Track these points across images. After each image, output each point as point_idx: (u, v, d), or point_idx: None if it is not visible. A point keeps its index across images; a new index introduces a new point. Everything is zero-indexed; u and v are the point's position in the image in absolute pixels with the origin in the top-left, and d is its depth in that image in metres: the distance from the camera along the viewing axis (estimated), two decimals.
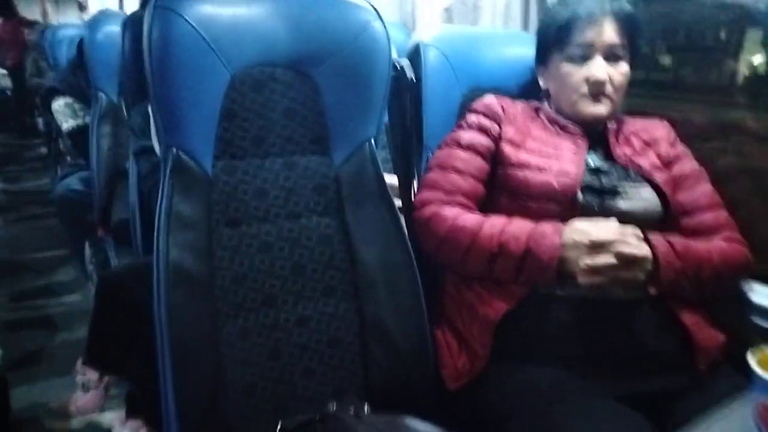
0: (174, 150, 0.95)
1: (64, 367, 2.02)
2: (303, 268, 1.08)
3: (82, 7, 10.03)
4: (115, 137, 2.14)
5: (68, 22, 8.79)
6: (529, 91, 1.33)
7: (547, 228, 1.03)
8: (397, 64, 1.21)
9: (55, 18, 9.74)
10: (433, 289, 1.15)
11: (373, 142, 1.12)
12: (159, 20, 0.91)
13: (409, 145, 1.27)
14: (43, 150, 6.36)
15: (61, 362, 2.19)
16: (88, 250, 2.10)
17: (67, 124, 2.56)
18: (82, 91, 2.55)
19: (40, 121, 6.18)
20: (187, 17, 0.93)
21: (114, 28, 2.09)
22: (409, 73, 1.25)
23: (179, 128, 0.95)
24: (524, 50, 1.38)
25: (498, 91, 1.34)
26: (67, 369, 1.90)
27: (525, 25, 1.57)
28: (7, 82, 7.40)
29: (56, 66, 4.77)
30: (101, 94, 2.13)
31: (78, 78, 2.52)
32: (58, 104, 2.69)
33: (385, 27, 1.10)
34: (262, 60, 1.02)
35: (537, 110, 1.25)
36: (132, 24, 1.50)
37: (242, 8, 1.00)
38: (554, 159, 1.12)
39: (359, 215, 1.11)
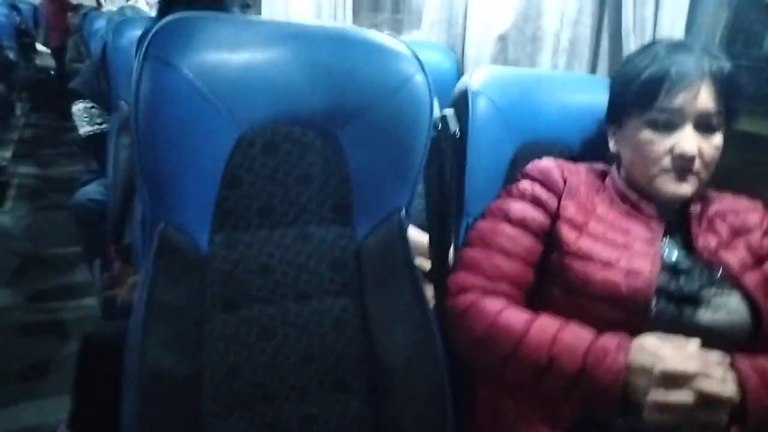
0: (162, 225, 0.79)
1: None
2: (311, 359, 0.91)
3: None
4: (134, 149, 2.01)
5: (117, 6, 8.83)
6: (594, 147, 1.13)
7: (609, 342, 0.84)
8: (438, 122, 1.02)
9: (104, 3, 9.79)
10: (463, 392, 0.97)
11: (404, 212, 0.94)
12: (149, 72, 0.75)
13: (446, 209, 1.08)
14: (75, 135, 6.36)
15: (71, 376, 2.09)
16: (97, 269, 1.98)
17: (83, 129, 2.45)
18: (102, 95, 2.44)
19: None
20: (184, 68, 0.76)
21: (136, 34, 1.97)
22: (453, 126, 1.06)
23: (170, 199, 0.79)
24: (590, 97, 1.18)
25: (556, 146, 1.15)
26: None
27: (593, 66, 1.36)
28: (52, 62, 7.45)
29: (90, 55, 4.72)
30: (122, 103, 1.99)
31: (100, 82, 2.41)
32: (78, 108, 2.59)
33: (428, 81, 0.91)
34: (276, 117, 0.85)
35: (603, 176, 1.05)
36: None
37: (255, 55, 0.83)
38: (623, 250, 0.92)
39: (381, 298, 0.94)
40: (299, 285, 0.91)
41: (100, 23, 5.28)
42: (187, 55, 0.77)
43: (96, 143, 2.54)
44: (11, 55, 5.60)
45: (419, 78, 0.91)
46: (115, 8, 6.88)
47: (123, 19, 2.03)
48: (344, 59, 0.89)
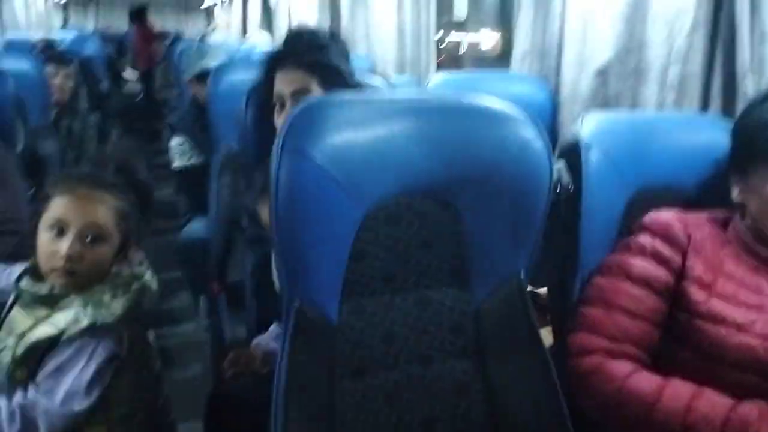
0: (298, 303, 0.82)
1: (178, 410, 2.00)
2: (434, 422, 0.92)
3: (209, 18, 10.56)
4: (234, 188, 2.10)
5: (196, 32, 9.24)
6: (711, 191, 1.09)
7: (750, 411, 0.80)
8: (557, 186, 1.01)
9: (185, 29, 10.28)
10: None
11: (523, 274, 0.94)
12: (286, 164, 0.79)
13: (563, 264, 1.07)
14: (166, 157, 6.67)
15: (174, 404, 2.18)
16: (203, 305, 2.07)
17: (176, 163, 2.58)
18: (196, 131, 2.58)
19: (166, 133, 6.51)
20: (315, 158, 0.79)
21: (239, 77, 2.05)
22: (566, 180, 1.05)
23: (304, 277, 0.83)
24: (705, 138, 1.15)
25: (670, 192, 1.11)
26: (180, 413, 1.86)
27: (704, 103, 1.30)
28: (137, 88, 7.88)
29: (177, 81, 4.97)
30: (222, 143, 2.09)
31: (197, 121, 2.55)
32: (175, 142, 2.74)
33: (547, 147, 0.91)
34: (398, 191, 0.87)
35: (725, 225, 1.00)
36: (255, 93, 1.41)
37: (377, 134, 0.85)
38: (757, 311, 0.88)
39: (502, 360, 0.94)
40: (421, 348, 0.92)
41: (183, 47, 5.57)
42: (317, 142, 0.80)
43: (188, 177, 2.67)
44: (104, 85, 5.96)
45: (538, 143, 0.90)
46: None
47: (223, 64, 2.12)
48: (461, 129, 0.90)
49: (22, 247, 1.77)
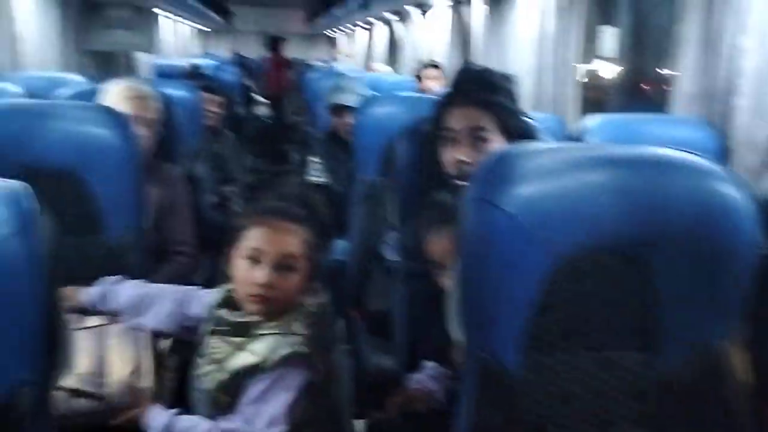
0: (480, 353, 0.81)
1: None
2: None
3: (332, 47, 11.07)
4: (373, 218, 2.14)
5: (320, 58, 9.68)
6: None
7: None
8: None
9: (310, 57, 10.82)
10: None
11: (726, 344, 0.87)
12: (476, 212, 0.78)
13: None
14: (293, 177, 6.98)
15: None
16: (341, 329, 2.11)
17: (311, 178, 2.69)
18: (330, 159, 2.70)
19: (294, 155, 6.84)
20: (506, 207, 0.78)
21: (383, 110, 2.10)
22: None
23: (489, 329, 0.81)
24: None
25: None
26: None
27: None
28: (267, 111, 8.35)
29: (310, 108, 5.20)
30: (362, 174, 2.15)
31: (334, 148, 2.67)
32: (312, 160, 2.85)
33: (753, 204, 0.84)
34: (588, 245, 0.83)
35: None
36: (409, 138, 1.43)
37: (569, 185, 0.83)
38: None
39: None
40: (600, 413, 0.87)
41: (313, 75, 5.83)
42: (508, 192, 0.79)
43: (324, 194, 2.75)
44: (240, 109, 6.37)
45: (742, 200, 0.84)
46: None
47: (370, 97, 2.19)
48: (658, 183, 0.85)
49: (191, 269, 1.92)
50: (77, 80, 2.68)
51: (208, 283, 2.48)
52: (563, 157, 0.86)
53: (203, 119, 2.89)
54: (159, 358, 1.20)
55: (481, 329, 0.81)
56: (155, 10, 5.60)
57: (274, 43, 7.74)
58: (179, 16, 7.61)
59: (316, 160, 2.85)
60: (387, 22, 5.78)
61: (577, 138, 1.67)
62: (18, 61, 2.80)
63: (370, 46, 7.14)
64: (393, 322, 1.58)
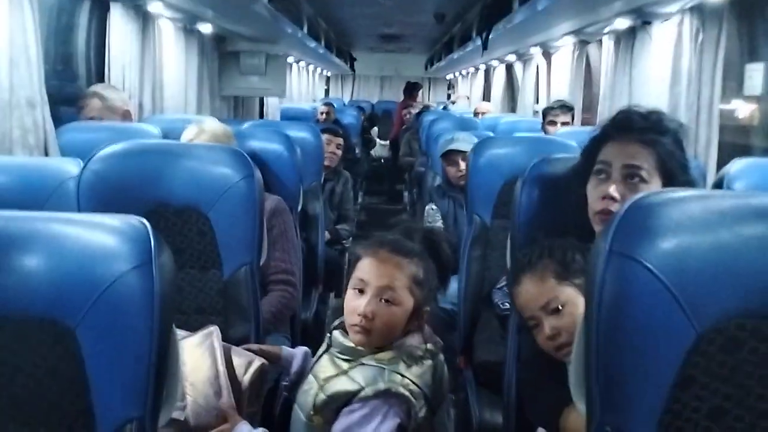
0: (608, 430, 0.71)
1: None
2: None
3: (450, 87, 11.19)
4: (484, 261, 2.07)
5: (439, 101, 9.80)
6: None
7: None
8: None
9: (429, 97, 10.99)
10: None
11: None
12: (614, 267, 0.69)
13: None
14: (404, 217, 7.05)
15: None
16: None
17: (426, 224, 2.66)
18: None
19: (405, 194, 6.92)
20: (649, 264, 0.69)
21: (498, 152, 2.05)
22: None
23: (620, 403, 0.71)
24: None
25: None
26: None
27: None
28: (385, 152, 8.54)
29: (425, 151, 5.24)
30: (476, 217, 2.08)
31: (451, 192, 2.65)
32: (430, 207, 2.85)
33: None
34: (744, 312, 0.71)
35: None
36: (531, 184, 1.35)
37: (723, 241, 0.71)
38: None
39: None
40: None
41: (428, 117, 5.88)
42: (651, 245, 0.70)
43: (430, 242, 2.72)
44: (357, 150, 6.57)
45: None
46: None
47: (485, 138, 2.14)
48: None
49: (294, 299, 1.97)
50: None
51: (315, 317, 2.54)
52: (716, 207, 0.75)
53: (323, 159, 2.99)
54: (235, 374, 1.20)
55: (610, 400, 0.72)
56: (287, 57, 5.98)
57: (411, 88, 7.92)
58: (307, 62, 8.06)
59: (433, 207, 2.84)
60: (506, 64, 5.74)
61: (720, 185, 1.51)
62: (160, 106, 3.05)
63: (486, 87, 7.11)
64: (503, 376, 1.49)
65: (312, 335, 2.28)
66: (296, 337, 2.07)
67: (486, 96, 7.42)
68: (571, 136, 2.51)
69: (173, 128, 2.81)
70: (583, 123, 3.73)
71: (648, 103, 2.75)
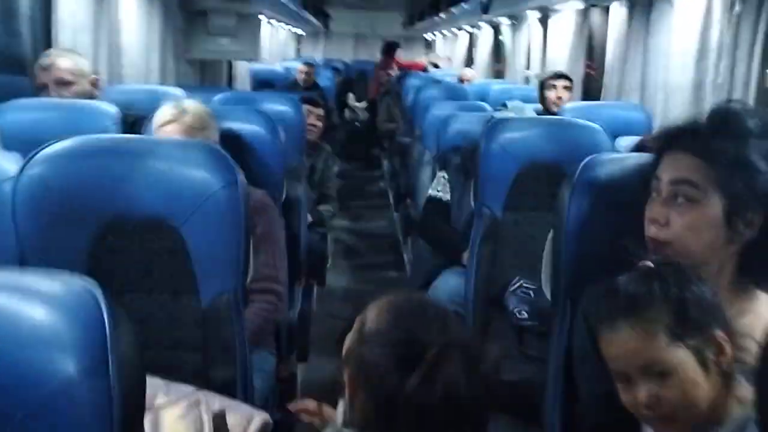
0: None
1: None
2: None
3: (428, 47, 10.78)
4: (494, 256, 1.85)
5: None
6: None
7: None
8: None
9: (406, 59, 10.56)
10: None
11: None
12: None
13: None
14: (382, 185, 6.78)
15: None
16: None
17: (431, 191, 2.40)
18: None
19: (385, 163, 6.62)
20: None
21: (512, 136, 1.80)
22: None
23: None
24: None
25: None
26: None
27: None
28: (361, 115, 8.14)
29: (410, 118, 4.94)
30: (485, 209, 1.85)
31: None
32: (443, 175, 2.55)
33: None
34: None
35: None
36: (582, 190, 1.11)
37: None
38: None
39: None
40: None
41: (413, 83, 5.56)
42: None
43: (437, 208, 2.43)
44: (334, 116, 6.18)
45: None
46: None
47: (497, 121, 1.89)
48: None
49: (279, 311, 1.72)
50: (175, 93, 2.54)
51: (300, 318, 2.29)
52: None
53: (305, 135, 2.70)
54: None
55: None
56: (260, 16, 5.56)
57: (390, 47, 7.55)
58: (280, 21, 7.59)
59: (444, 175, 2.53)
60: (494, 27, 5.41)
61: None
62: (118, 73, 2.70)
63: (471, 51, 6.79)
64: (531, 399, 1.29)
65: (297, 341, 2.04)
66: (282, 347, 1.83)
67: (469, 58, 7.12)
68: (585, 114, 2.27)
69: (134, 100, 2.47)
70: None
71: (666, 79, 2.55)
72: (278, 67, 6.58)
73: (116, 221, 1.12)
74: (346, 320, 0.89)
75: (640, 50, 2.51)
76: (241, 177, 1.16)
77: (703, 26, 2.12)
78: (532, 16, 4.04)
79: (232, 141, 1.74)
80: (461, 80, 5.02)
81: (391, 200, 5.34)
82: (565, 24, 3.47)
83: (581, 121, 1.82)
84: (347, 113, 8.25)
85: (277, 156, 1.95)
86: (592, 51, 3.41)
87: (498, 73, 5.92)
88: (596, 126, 1.78)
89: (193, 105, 1.65)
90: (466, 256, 1.99)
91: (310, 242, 2.66)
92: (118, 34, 2.70)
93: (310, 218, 2.92)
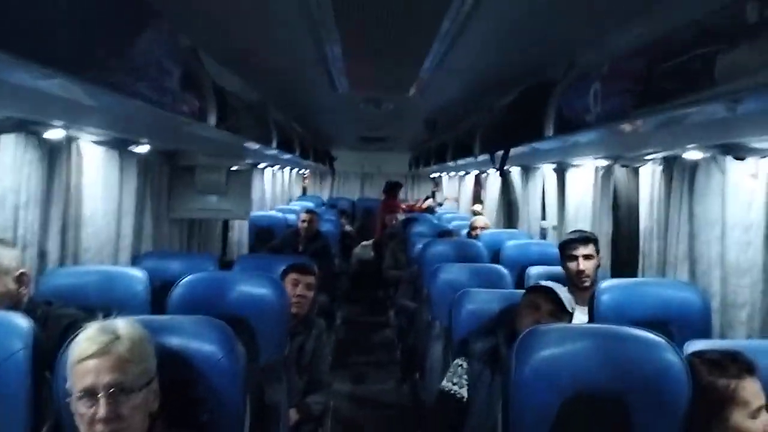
0: None
1: None
2: None
3: (436, 187, 10.70)
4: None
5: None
6: None
7: None
8: None
9: (412, 196, 10.42)
10: None
11: None
12: None
13: None
14: (388, 333, 6.21)
15: None
16: None
17: (443, 383, 1.99)
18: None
19: (391, 314, 6.12)
20: None
21: (550, 354, 1.32)
22: None
23: None
24: None
25: None
26: None
27: None
28: (367, 254, 7.73)
29: (410, 262, 4.50)
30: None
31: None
32: (459, 363, 2.05)
33: None
34: None
35: None
36: None
37: None
38: None
39: None
40: None
41: (419, 231, 5.19)
42: None
43: (445, 408, 1.97)
44: (336, 263, 5.75)
45: None
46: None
47: (527, 334, 1.43)
48: None
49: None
50: (135, 275, 2.15)
51: None
52: None
53: (287, 317, 2.26)
54: None
55: None
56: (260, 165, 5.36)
57: (391, 188, 7.41)
58: (282, 167, 7.48)
59: (462, 365, 2.03)
60: (503, 172, 5.16)
61: None
62: (74, 250, 2.32)
63: (476, 191, 6.56)
64: None
65: None
66: None
67: (476, 201, 6.87)
68: (625, 294, 1.87)
69: (82, 284, 2.09)
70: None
71: (726, 248, 2.13)
72: (279, 215, 6.28)
73: None
74: None
75: (685, 217, 2.11)
76: None
77: None
78: (548, 167, 3.74)
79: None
80: (472, 228, 4.66)
81: (398, 356, 4.78)
82: (584, 175, 3.13)
83: (641, 333, 1.36)
84: (354, 254, 7.85)
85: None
86: (617, 208, 3.02)
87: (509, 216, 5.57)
88: (661, 339, 1.32)
89: (127, 328, 1.26)
90: None
91: None
92: (78, 204, 2.36)
93: (295, 415, 2.42)
